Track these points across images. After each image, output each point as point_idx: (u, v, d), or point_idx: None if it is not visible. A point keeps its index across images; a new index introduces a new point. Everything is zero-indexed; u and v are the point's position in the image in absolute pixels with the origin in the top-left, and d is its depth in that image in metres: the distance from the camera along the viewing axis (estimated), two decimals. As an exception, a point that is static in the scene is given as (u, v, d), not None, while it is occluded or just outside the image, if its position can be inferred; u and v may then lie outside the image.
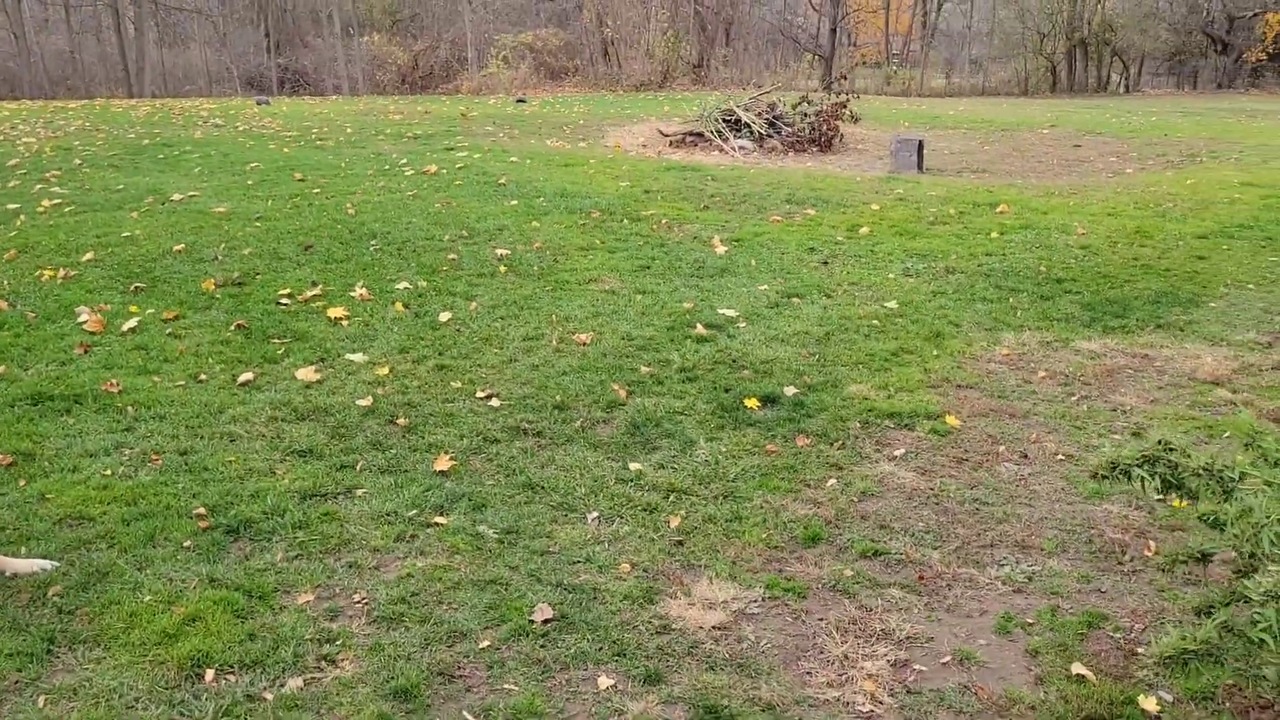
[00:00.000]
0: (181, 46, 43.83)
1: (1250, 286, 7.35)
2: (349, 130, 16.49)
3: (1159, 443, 2.92)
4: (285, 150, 13.70)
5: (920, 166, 14.18)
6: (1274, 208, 10.08)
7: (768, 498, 4.18)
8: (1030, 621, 3.34)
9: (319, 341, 5.93)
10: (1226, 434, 4.80)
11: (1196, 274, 7.63)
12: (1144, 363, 5.86)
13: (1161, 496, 2.90)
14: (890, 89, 44.95)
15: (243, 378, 5.30)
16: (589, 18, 43.07)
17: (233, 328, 6.09)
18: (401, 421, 4.85)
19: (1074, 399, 5.30)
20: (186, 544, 3.70)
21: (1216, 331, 6.37)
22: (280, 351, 5.75)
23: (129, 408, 4.88)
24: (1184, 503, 4.05)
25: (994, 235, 8.91)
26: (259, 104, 23.43)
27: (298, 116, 19.57)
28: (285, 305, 6.59)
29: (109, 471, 4.22)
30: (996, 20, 52.70)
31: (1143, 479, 2.88)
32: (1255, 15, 49.17)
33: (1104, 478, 2.92)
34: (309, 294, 6.79)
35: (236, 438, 4.63)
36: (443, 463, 4.41)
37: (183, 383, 5.23)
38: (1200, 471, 2.83)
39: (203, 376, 5.32)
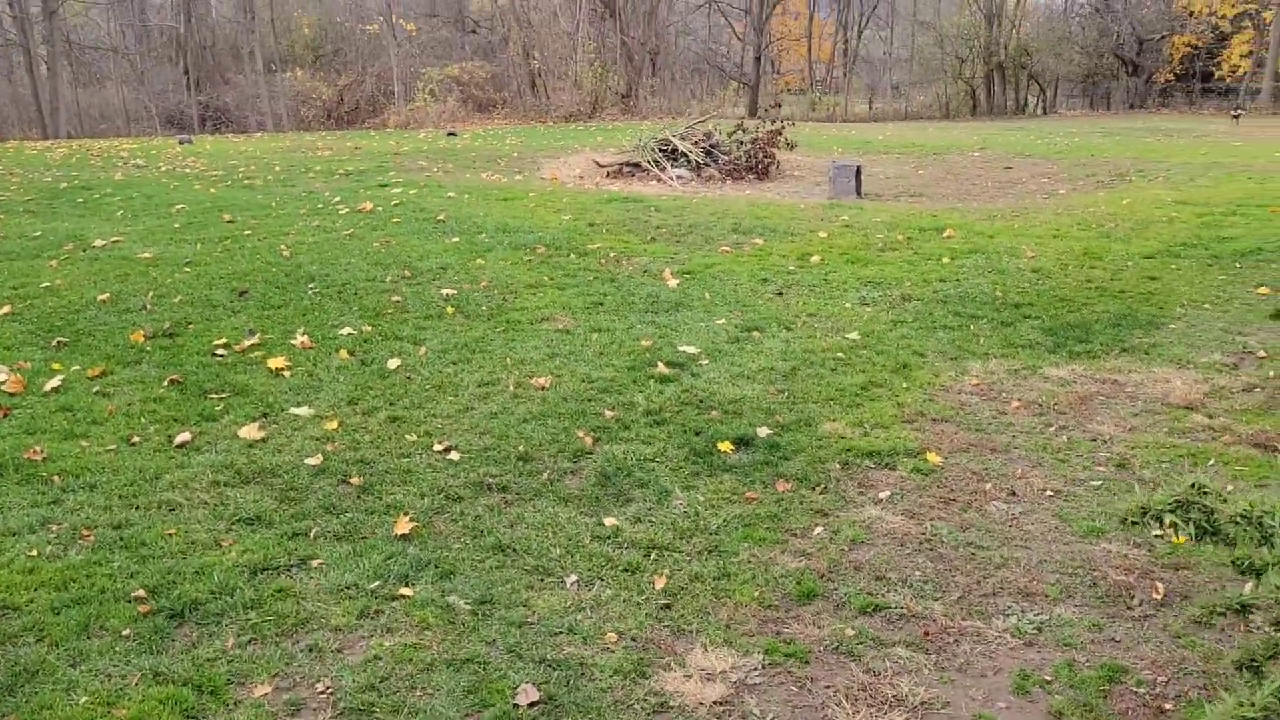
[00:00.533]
0: (97, 86, 42.63)
1: (1206, 306, 7.35)
2: (277, 168, 16.03)
3: (1192, 486, 2.75)
4: (212, 190, 13.22)
5: (859, 192, 14.19)
6: (1212, 225, 10.20)
7: (754, 550, 3.95)
8: (1048, 679, 3.15)
9: (260, 395, 5.57)
10: (1211, 461, 4.70)
11: (1151, 295, 7.62)
12: (1114, 389, 5.77)
13: (1196, 543, 2.72)
14: (815, 115, 45.51)
15: (180, 438, 4.93)
16: (515, 50, 42.95)
17: (166, 383, 5.70)
18: (355, 481, 4.53)
19: (1052, 430, 5.17)
20: (126, 633, 3.34)
21: (1181, 353, 6.32)
22: (219, 408, 5.38)
23: (55, 477, 4.48)
24: (1184, 539, 3.93)
25: (945, 260, 8.85)
26: (181, 143, 22.77)
27: (222, 155, 19.02)
28: (221, 357, 6.21)
29: (35, 551, 3.84)
30: (915, 46, 53.85)
31: (1175, 525, 2.70)
32: (1163, 38, 50.95)
33: (1134, 523, 2.74)
34: (246, 343, 6.42)
35: (176, 506, 4.26)
36: (403, 525, 4.10)
37: (114, 447, 4.84)
38: (1238, 518, 2.66)
39: (135, 439, 4.94)
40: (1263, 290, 7.72)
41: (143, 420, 5.18)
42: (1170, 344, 6.52)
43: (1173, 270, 8.38)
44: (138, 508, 4.24)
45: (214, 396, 5.54)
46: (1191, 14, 49.48)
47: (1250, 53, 49.92)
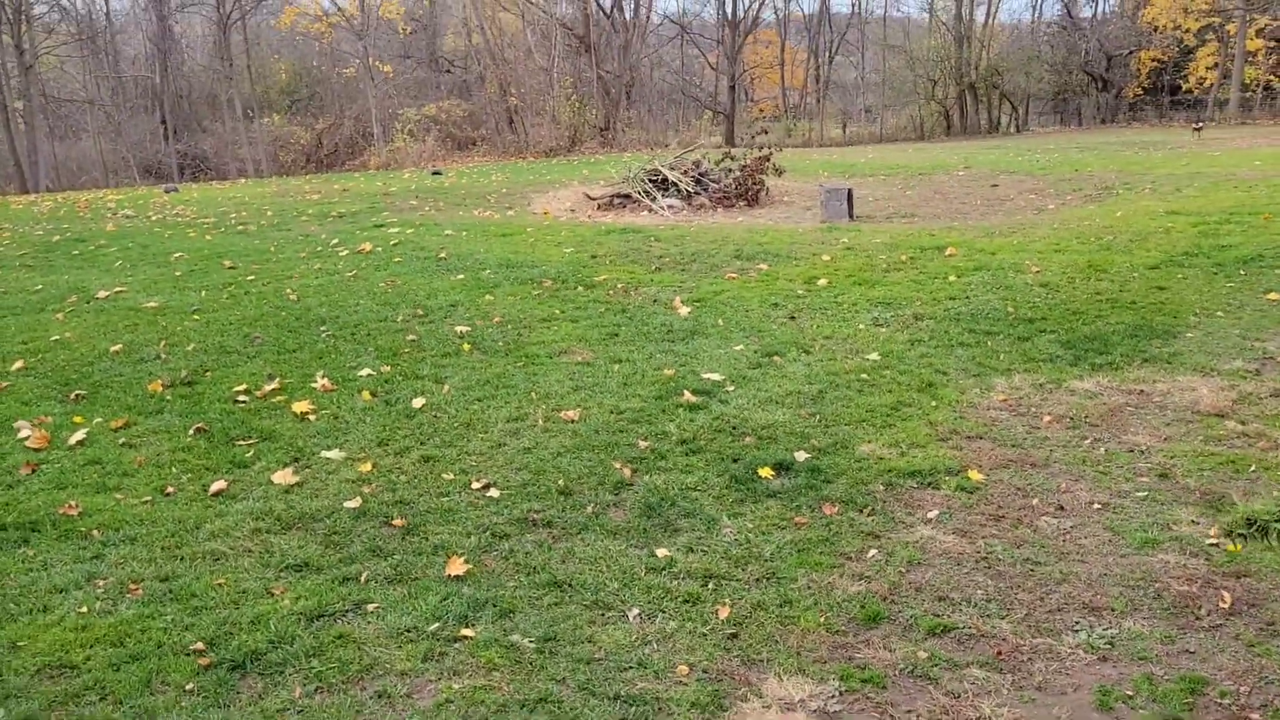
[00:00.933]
0: (74, 138, 42.59)
1: (1219, 314, 7.41)
2: (269, 213, 16.00)
3: None
4: (207, 237, 13.18)
5: (851, 214, 14.27)
6: (1210, 234, 10.30)
7: (812, 576, 3.92)
8: (1129, 693, 3.12)
9: (289, 440, 5.52)
10: (1252, 468, 4.71)
11: (1163, 305, 7.67)
12: (1142, 399, 5.79)
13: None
14: (792, 140, 45.89)
15: (215, 487, 4.87)
16: (492, 88, 43.17)
17: (192, 432, 5.64)
18: (399, 523, 4.48)
19: (1088, 442, 5.17)
20: (189, 687, 3.28)
21: (1203, 361, 6.36)
22: (249, 454, 5.32)
23: (94, 531, 4.42)
24: (1240, 546, 3.93)
25: (951, 279, 8.90)
26: (167, 191, 22.73)
27: (210, 202, 18.98)
28: (244, 403, 6.15)
29: (85, 608, 3.77)
30: (887, 70, 54.45)
31: None
32: (1130, 53, 51.73)
33: (1240, 536, 2.73)
34: (267, 388, 6.37)
35: (220, 556, 4.20)
36: (456, 566, 4.05)
37: (149, 498, 4.78)
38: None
39: (170, 489, 4.87)
40: (1272, 296, 7.78)
41: (174, 470, 5.12)
42: (1190, 352, 6.56)
43: (1179, 279, 8.45)
44: (182, 559, 4.18)
45: (242, 443, 5.48)
46: (1156, 29, 50.29)
47: (1215, 65, 50.76)
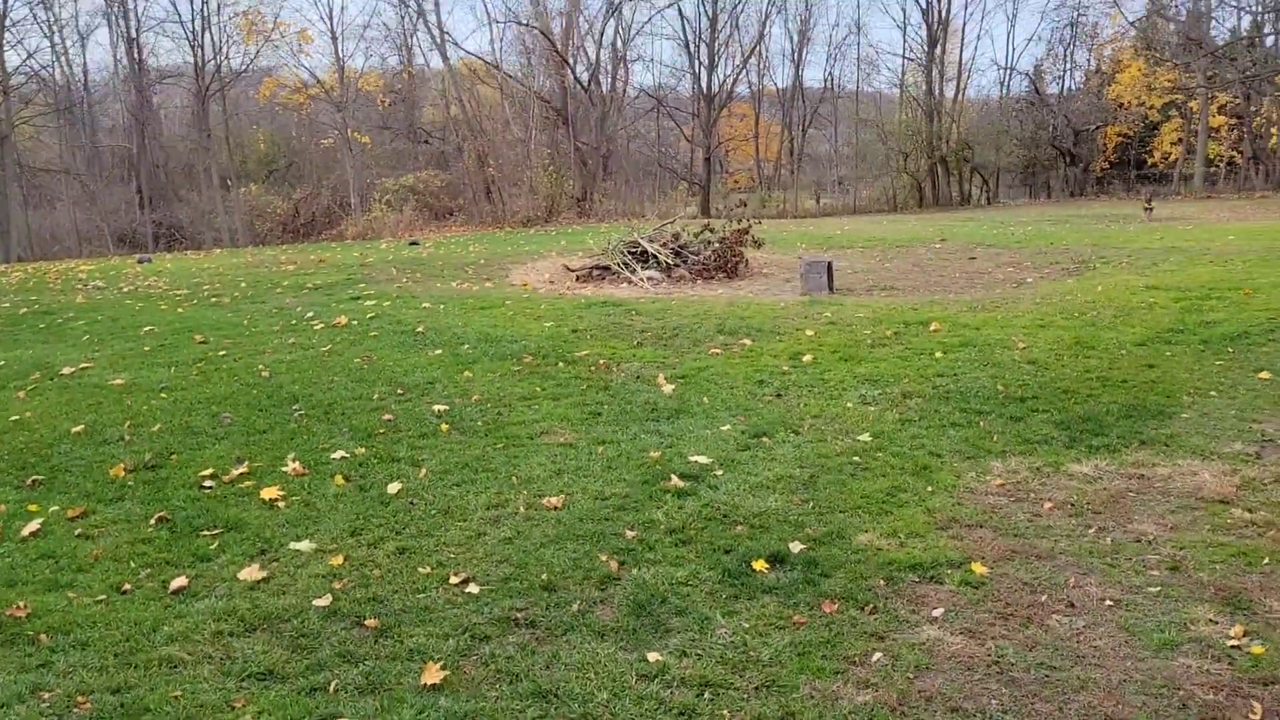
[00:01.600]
0: (48, 207, 42.34)
1: (1213, 394, 7.29)
2: (244, 284, 15.78)
3: None
4: (179, 310, 12.93)
5: (831, 287, 14.22)
6: (1194, 310, 10.27)
7: (815, 683, 3.67)
8: (1166, 819, 2.88)
9: (256, 530, 5.24)
10: (1265, 560, 4.52)
11: (1155, 383, 7.55)
12: (1143, 484, 5.61)
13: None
14: (766, 212, 46.21)
15: (175, 584, 4.58)
16: (470, 159, 43.43)
17: (153, 521, 5.35)
18: (372, 623, 4.20)
19: (1092, 531, 4.98)
20: (138, 820, 2.97)
21: (1201, 444, 6.21)
22: (213, 546, 5.04)
23: (42, 635, 4.11)
24: (1264, 650, 3.72)
25: (938, 355, 8.77)
26: (141, 262, 22.47)
27: (184, 273, 18.74)
28: (210, 489, 5.87)
29: (26, 726, 3.46)
30: (859, 143, 55.33)
31: None
32: (1097, 129, 52.85)
33: None
34: (235, 473, 6.09)
35: (178, 663, 3.90)
36: (432, 673, 3.77)
37: (104, 597, 4.47)
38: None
39: (127, 586, 4.57)
40: (1264, 375, 7.68)
41: (132, 564, 4.82)
42: (1188, 434, 6.41)
43: (1168, 357, 8.35)
44: (136, 666, 3.88)
45: (207, 534, 5.19)
46: (1122, 105, 51.48)
47: (1180, 140, 51.93)
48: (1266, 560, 4.54)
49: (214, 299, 14.04)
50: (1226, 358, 8.31)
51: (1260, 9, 45.55)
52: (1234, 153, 49.81)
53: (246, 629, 4.19)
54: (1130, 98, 50.71)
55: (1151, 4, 48.48)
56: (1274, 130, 48.43)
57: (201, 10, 42.85)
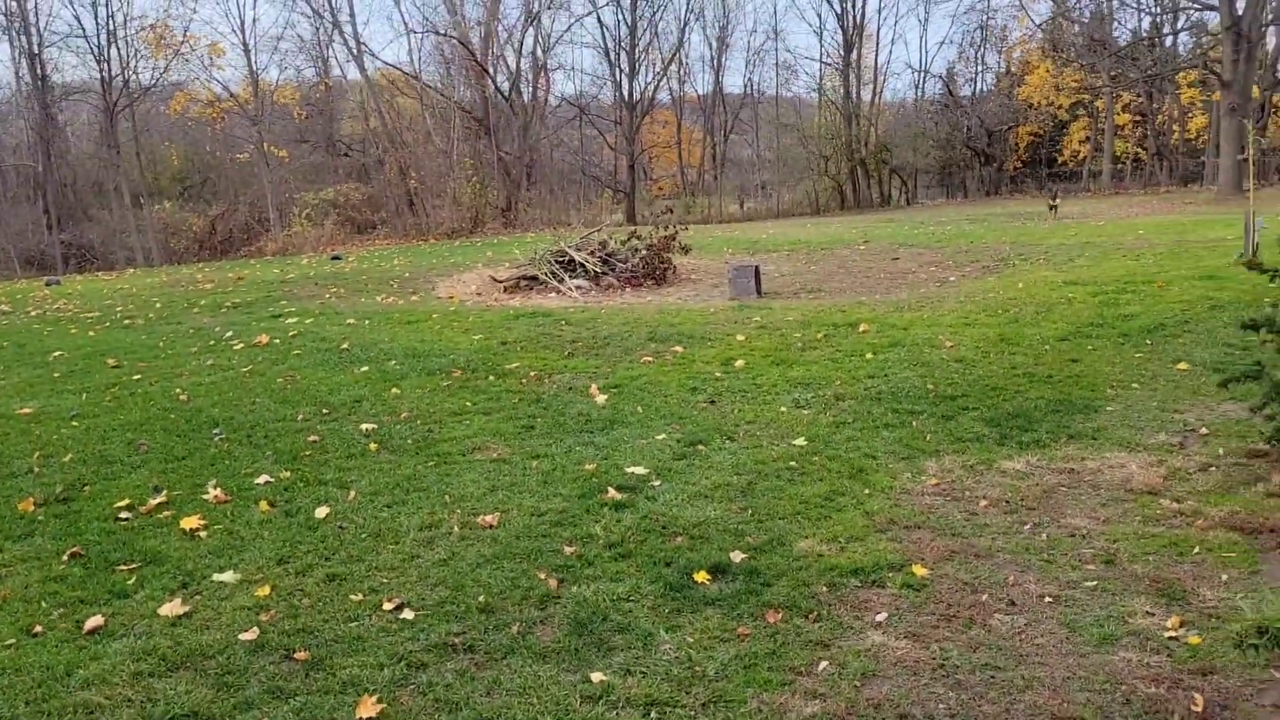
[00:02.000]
0: (-51, 229, 40.64)
1: (1134, 385, 7.44)
2: (158, 305, 15.30)
3: None
4: (90, 333, 12.46)
5: (759, 291, 14.29)
6: (1112, 304, 10.50)
7: (762, 696, 3.61)
8: (1118, 817, 2.88)
9: (177, 562, 5.02)
10: (1195, 550, 4.60)
11: (1079, 377, 7.68)
12: (1074, 478, 5.68)
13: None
14: (691, 217, 46.46)
15: (90, 623, 4.35)
16: (391, 171, 42.89)
17: (65, 558, 5.09)
18: (302, 656, 4.03)
19: (1028, 528, 5.01)
20: None
21: (1127, 436, 6.32)
22: (131, 581, 4.81)
23: (-54, 687, 3.86)
24: (1200, 640, 3.77)
25: (868, 356, 8.82)
26: (49, 284, 21.69)
27: (95, 295, 18.12)
28: (126, 521, 5.62)
29: (-71, 786, 3.24)
30: (780, 148, 55.92)
31: None
32: (1009, 129, 54.19)
33: (1253, 646, 2.52)
34: (153, 502, 5.84)
35: (95, 709, 3.69)
36: (367, 707, 3.62)
37: (13, 641, 4.23)
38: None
39: (38, 629, 4.33)
40: (1182, 366, 7.87)
41: (43, 605, 4.57)
42: (1113, 427, 6.52)
43: (1090, 351, 8.51)
44: (50, 714, 3.66)
45: (124, 568, 4.96)
46: (1032, 106, 52.90)
47: (1088, 138, 53.51)
48: (1196, 549, 4.61)
49: (127, 321, 13.57)
50: (1145, 350, 8.51)
51: (1159, 10, 47.19)
52: (1139, 149, 51.49)
53: (168, 668, 3.99)
54: (1039, 98, 52.15)
55: (1056, 6, 49.92)
56: (1175, 127, 50.19)
57: (108, 24, 41.57)
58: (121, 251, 39.61)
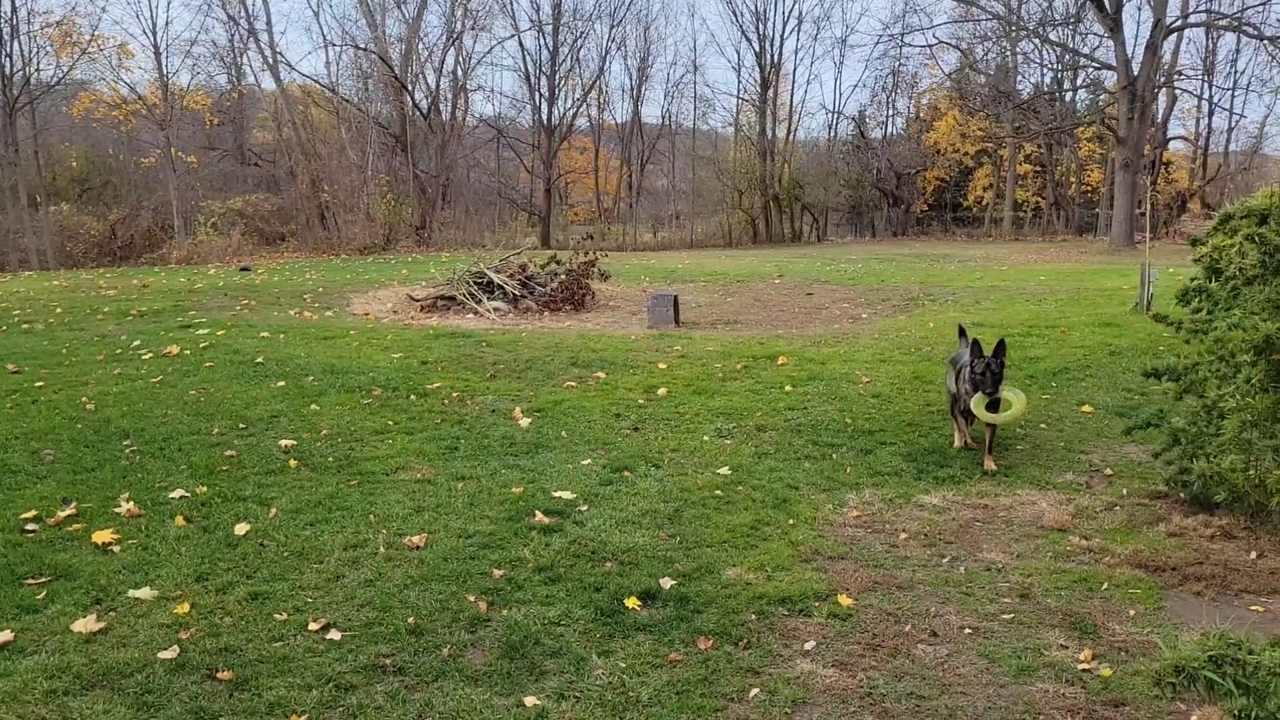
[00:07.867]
0: None
1: (1042, 426, 7.74)
2: (59, 310, 14.73)
3: (1220, 638, 2.70)
4: (-15, 337, 11.94)
5: (678, 321, 14.43)
6: (1016, 346, 10.89)
7: (696, 722, 3.65)
8: (1041, 841, 2.99)
9: (90, 577, 4.85)
10: (1104, 585, 4.81)
11: (987, 417, 7.95)
12: (988, 514, 5.89)
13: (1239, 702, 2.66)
14: (606, 244, 46.58)
15: (-2, 640, 4.18)
16: (303, 183, 42.08)
17: (-31, 571, 4.88)
18: (225, 676, 3.93)
19: (946, 561, 5.18)
20: None
21: (1036, 475, 6.57)
22: (41, 596, 4.63)
23: None
24: (1111, 672, 3.95)
25: (788, 388, 8.99)
26: (-65, 283, 20.69)
27: (-12, 296, 17.36)
28: (33, 533, 5.41)
29: None
30: (697, 179, 56.59)
31: (1213, 684, 2.64)
32: (917, 172, 55.82)
33: (1170, 684, 2.65)
34: (62, 515, 5.63)
35: (7, 728, 3.55)
36: (297, 729, 3.56)
37: (-86, 657, 4.04)
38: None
39: (-59, 645, 4.15)
40: (1086, 409, 8.22)
41: (-54, 620, 4.38)
42: (1023, 465, 6.78)
43: (1000, 391, 8.81)
44: (-43, 734, 3.51)
45: (32, 583, 4.77)
46: (939, 151, 54.63)
47: (991, 185, 55.46)
48: (1105, 585, 4.83)
49: (25, 326, 13.04)
50: (1051, 392, 8.86)
51: (1060, 67, 49.31)
52: (1039, 198, 53.53)
53: (84, 686, 3.86)
54: (946, 144, 53.93)
55: (964, 58, 51.73)
56: (1074, 179, 52.38)
57: (11, 19, 39.98)
58: (14, 253, 37.99)
